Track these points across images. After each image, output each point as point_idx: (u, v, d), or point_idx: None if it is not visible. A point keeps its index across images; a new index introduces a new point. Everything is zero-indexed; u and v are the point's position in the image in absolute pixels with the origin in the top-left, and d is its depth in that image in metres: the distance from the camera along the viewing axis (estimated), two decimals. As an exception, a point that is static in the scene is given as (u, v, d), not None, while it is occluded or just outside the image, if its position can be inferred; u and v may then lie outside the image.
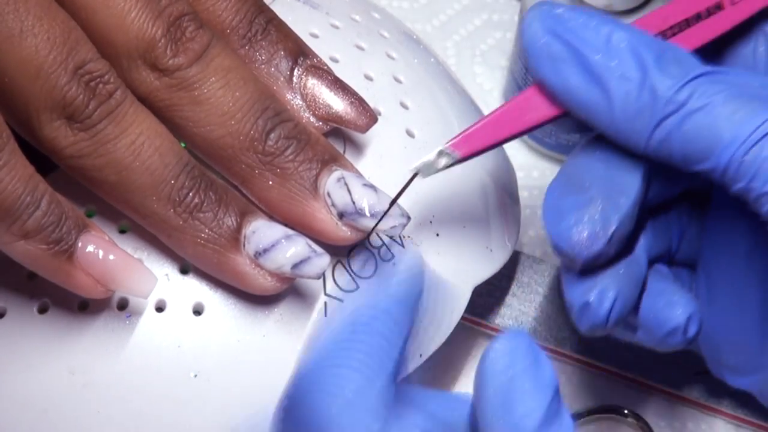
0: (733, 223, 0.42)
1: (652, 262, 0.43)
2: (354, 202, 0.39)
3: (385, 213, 0.40)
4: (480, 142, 0.40)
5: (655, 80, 0.38)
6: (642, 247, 0.42)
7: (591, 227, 0.39)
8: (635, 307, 0.41)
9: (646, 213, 0.42)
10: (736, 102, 0.37)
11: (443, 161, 0.40)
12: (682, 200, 0.44)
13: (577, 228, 0.39)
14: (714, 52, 0.41)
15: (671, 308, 0.41)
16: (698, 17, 0.40)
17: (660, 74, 0.38)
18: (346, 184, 0.40)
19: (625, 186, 0.40)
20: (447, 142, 0.40)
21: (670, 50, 0.38)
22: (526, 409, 0.33)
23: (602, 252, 0.39)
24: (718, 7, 0.40)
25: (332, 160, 0.40)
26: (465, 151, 0.40)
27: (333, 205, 0.40)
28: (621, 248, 0.40)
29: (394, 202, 0.40)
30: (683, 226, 0.44)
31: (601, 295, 0.40)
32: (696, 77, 0.38)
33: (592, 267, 0.40)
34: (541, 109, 0.40)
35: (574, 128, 0.55)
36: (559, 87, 0.39)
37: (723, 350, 0.44)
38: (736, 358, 0.44)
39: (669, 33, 0.40)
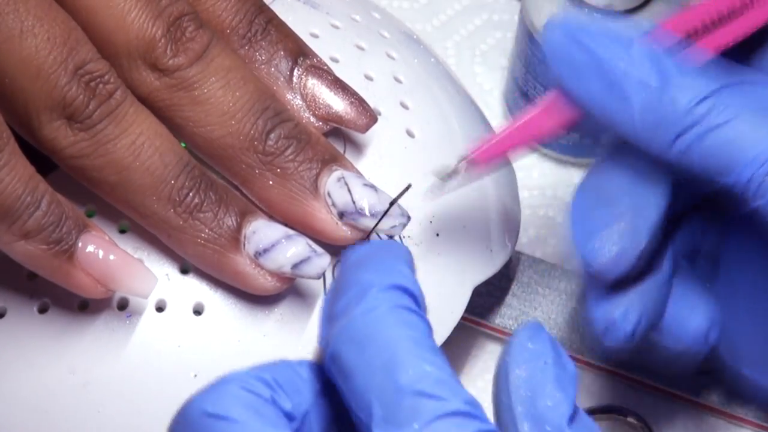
0: (753, 231, 0.42)
1: (676, 265, 0.42)
2: (354, 202, 0.39)
3: (385, 213, 0.40)
4: (502, 149, 0.40)
5: (675, 91, 0.37)
6: (668, 255, 0.41)
7: (621, 245, 0.39)
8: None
9: (672, 219, 0.42)
10: (759, 117, 0.36)
11: (461, 172, 0.40)
12: (706, 202, 0.43)
13: (608, 246, 0.39)
14: (742, 54, 0.41)
15: (693, 314, 0.41)
16: (724, 18, 0.39)
17: (680, 85, 0.37)
18: (346, 183, 0.40)
19: (652, 198, 0.39)
20: (470, 152, 0.40)
21: (692, 60, 0.38)
22: (555, 401, 0.33)
23: (632, 269, 0.39)
24: (745, 7, 0.39)
25: (332, 159, 0.40)
26: (487, 159, 0.40)
27: (333, 204, 0.40)
28: (649, 261, 0.40)
29: (393, 203, 0.40)
30: (706, 224, 0.44)
31: (626, 313, 0.40)
32: (718, 89, 0.37)
33: (619, 283, 0.40)
34: (563, 115, 0.39)
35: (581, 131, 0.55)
36: (581, 95, 0.38)
37: (744, 351, 0.44)
38: (756, 360, 0.44)
39: (694, 35, 0.39)
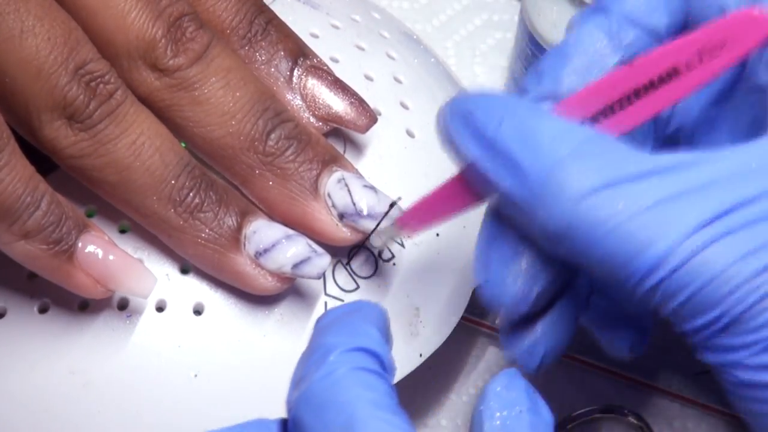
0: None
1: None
2: (354, 204, 0.39)
3: (385, 214, 0.40)
4: (428, 215, 0.38)
5: (563, 177, 0.32)
6: (582, 284, 0.39)
7: (517, 288, 0.36)
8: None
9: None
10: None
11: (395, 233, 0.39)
12: None
13: (505, 288, 0.36)
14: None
15: (618, 342, 0.40)
16: (651, 85, 0.34)
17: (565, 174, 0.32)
18: (346, 185, 0.40)
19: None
20: (397, 219, 0.39)
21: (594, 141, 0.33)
22: None
23: (533, 308, 0.37)
24: (674, 73, 0.34)
25: (332, 160, 0.40)
26: (416, 224, 0.38)
27: (333, 206, 0.40)
28: (553, 294, 0.37)
29: (382, 220, 0.40)
30: None
31: (531, 351, 0.38)
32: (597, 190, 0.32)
33: (526, 318, 0.38)
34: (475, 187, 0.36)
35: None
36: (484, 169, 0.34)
37: None
38: None
39: (617, 106, 0.34)
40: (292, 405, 0.32)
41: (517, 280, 0.36)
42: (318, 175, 0.40)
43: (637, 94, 0.35)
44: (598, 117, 0.35)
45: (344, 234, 0.40)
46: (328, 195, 0.40)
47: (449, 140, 0.35)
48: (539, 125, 0.33)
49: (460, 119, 0.34)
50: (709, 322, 0.32)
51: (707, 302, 0.31)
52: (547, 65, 0.37)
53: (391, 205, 0.40)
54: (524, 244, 0.36)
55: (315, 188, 0.40)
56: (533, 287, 0.36)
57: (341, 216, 0.40)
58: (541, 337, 0.38)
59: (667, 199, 0.32)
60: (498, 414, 0.32)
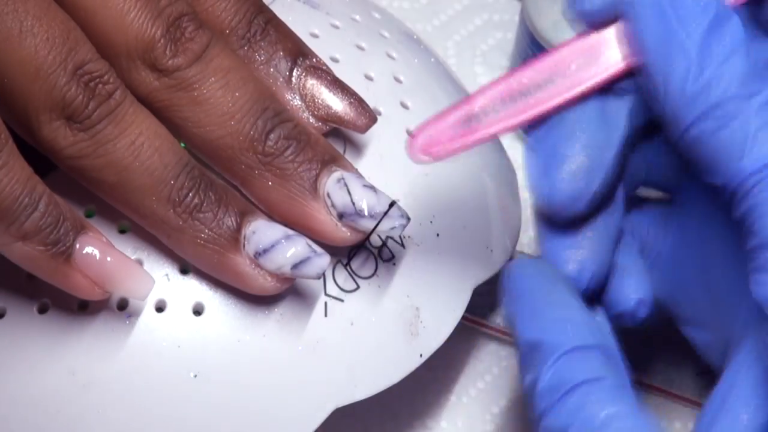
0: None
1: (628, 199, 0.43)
2: (354, 203, 0.39)
3: (385, 214, 0.40)
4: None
5: (714, 74, 0.36)
6: (620, 194, 0.41)
7: (574, 185, 0.39)
8: None
9: (625, 149, 0.41)
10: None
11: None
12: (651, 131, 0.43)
13: (562, 186, 0.39)
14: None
15: (624, 289, 0.41)
16: None
17: (721, 72, 0.36)
18: (346, 185, 0.40)
19: (610, 137, 0.39)
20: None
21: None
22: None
23: (586, 210, 0.39)
24: None
25: (332, 160, 0.40)
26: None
27: (333, 206, 0.40)
28: (604, 198, 0.40)
29: (378, 224, 0.40)
30: (658, 152, 0.44)
31: (581, 267, 0.40)
32: (755, 94, 0.36)
33: (573, 222, 0.40)
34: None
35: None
36: (642, 34, 0.37)
37: (679, 298, 0.44)
38: (688, 308, 0.44)
39: None
40: None
41: (570, 181, 0.39)
42: (317, 175, 0.40)
43: None
44: None
45: (344, 234, 0.40)
46: (328, 195, 0.40)
47: None
48: None
49: None
50: None
51: None
52: None
53: (391, 205, 0.40)
54: (580, 143, 0.38)
55: (314, 188, 0.40)
56: (590, 186, 0.39)
57: (341, 216, 0.40)
58: (589, 245, 0.40)
59: None
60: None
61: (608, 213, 0.41)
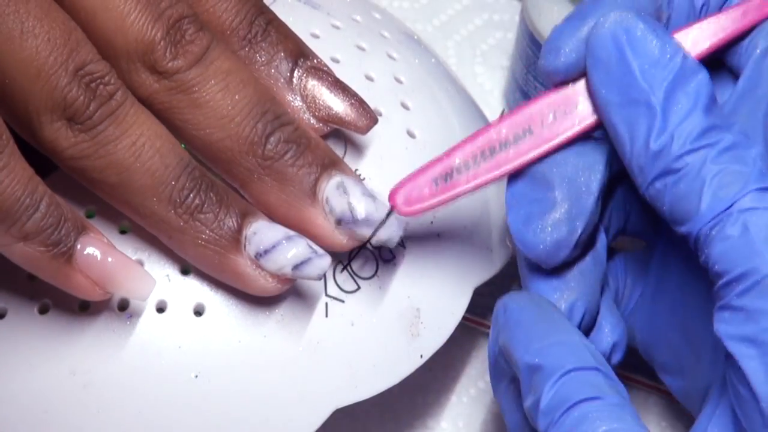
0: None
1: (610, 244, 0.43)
2: (352, 211, 0.39)
3: (382, 223, 0.40)
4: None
5: (676, 130, 0.36)
6: (602, 236, 0.42)
7: (557, 235, 0.39)
8: None
9: (605, 193, 0.42)
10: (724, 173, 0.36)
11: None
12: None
13: (545, 236, 0.39)
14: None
15: (599, 334, 0.41)
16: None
17: (681, 128, 0.36)
18: (345, 191, 0.40)
19: (590, 184, 0.39)
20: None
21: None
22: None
23: (570, 256, 0.40)
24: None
25: (332, 164, 0.40)
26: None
27: (331, 211, 0.40)
28: (587, 242, 0.40)
29: (377, 230, 0.40)
30: (636, 199, 0.44)
31: (572, 307, 0.40)
32: (712, 144, 0.36)
33: (557, 268, 0.40)
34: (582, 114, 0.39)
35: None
36: (603, 95, 0.38)
37: (657, 346, 0.44)
38: (666, 356, 0.44)
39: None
40: None
41: (553, 230, 0.39)
42: (317, 180, 0.40)
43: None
44: None
45: (341, 240, 0.40)
46: (327, 200, 0.40)
47: None
48: None
49: None
50: None
51: None
52: None
53: (389, 213, 0.40)
54: (561, 191, 0.39)
55: (313, 193, 0.40)
56: (573, 233, 0.39)
57: (339, 222, 0.40)
58: (576, 285, 0.40)
59: None
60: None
61: (592, 255, 0.41)
